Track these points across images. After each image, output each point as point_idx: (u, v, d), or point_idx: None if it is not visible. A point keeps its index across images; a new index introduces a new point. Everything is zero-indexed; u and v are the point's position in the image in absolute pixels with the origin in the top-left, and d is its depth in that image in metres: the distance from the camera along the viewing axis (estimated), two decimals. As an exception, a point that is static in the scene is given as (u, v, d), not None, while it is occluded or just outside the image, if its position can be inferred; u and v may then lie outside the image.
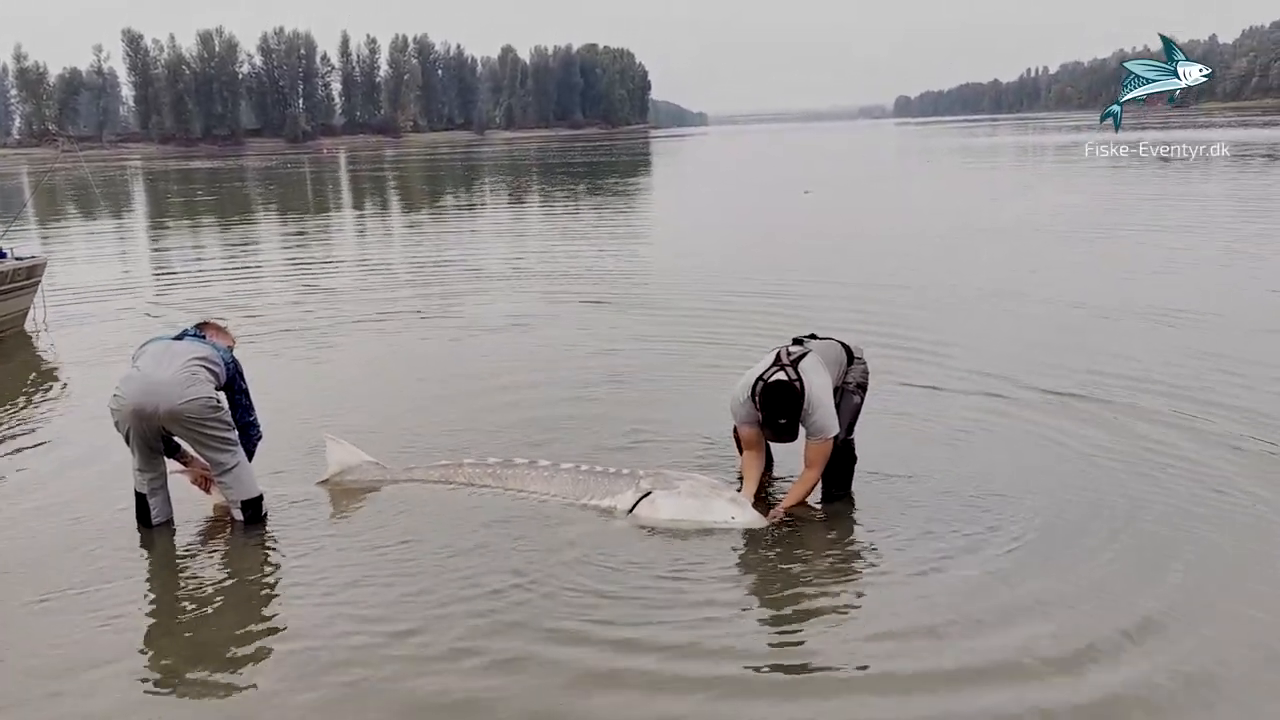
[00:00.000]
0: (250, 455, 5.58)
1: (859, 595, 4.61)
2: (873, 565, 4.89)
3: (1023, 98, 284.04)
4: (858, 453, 5.61)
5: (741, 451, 5.66)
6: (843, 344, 5.66)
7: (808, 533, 5.25)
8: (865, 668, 3.98)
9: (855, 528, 5.33)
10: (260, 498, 5.53)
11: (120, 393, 5.17)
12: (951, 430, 6.82)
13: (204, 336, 5.58)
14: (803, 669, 4.03)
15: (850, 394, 5.52)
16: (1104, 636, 4.12)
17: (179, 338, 5.50)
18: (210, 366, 5.32)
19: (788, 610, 4.50)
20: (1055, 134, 74.16)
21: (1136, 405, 7.14)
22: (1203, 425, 6.69)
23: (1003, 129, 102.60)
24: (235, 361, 5.56)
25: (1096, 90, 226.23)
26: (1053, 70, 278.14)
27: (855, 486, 5.64)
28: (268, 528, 5.48)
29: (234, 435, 5.41)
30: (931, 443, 6.58)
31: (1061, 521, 5.25)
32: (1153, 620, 4.26)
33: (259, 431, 5.71)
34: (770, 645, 4.23)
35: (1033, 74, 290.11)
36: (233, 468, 5.40)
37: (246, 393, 5.61)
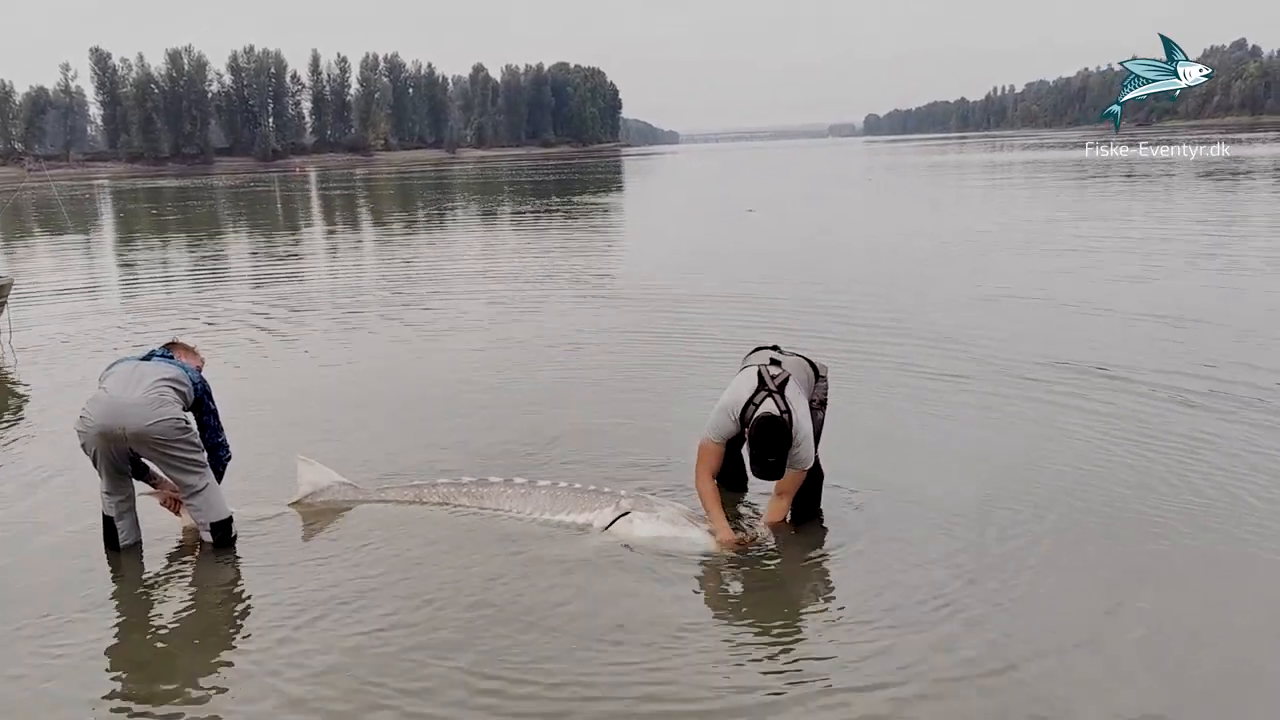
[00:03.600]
0: (220, 476, 5.50)
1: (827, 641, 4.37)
2: (841, 602, 4.75)
3: (989, 116, 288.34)
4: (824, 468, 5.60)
5: (699, 467, 5.43)
6: (809, 361, 5.67)
7: (783, 565, 5.19)
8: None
9: (828, 556, 5.22)
10: (230, 519, 5.44)
11: (87, 414, 5.09)
12: (922, 433, 6.86)
13: (172, 357, 5.51)
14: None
15: (814, 411, 5.50)
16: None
17: (146, 358, 5.42)
18: (178, 387, 5.25)
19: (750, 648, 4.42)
20: (1022, 151, 75.07)
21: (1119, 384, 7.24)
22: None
23: (970, 146, 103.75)
24: (204, 381, 5.49)
25: (1062, 108, 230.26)
26: (1019, 89, 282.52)
27: (826, 498, 5.64)
28: (237, 550, 5.39)
29: (203, 457, 5.33)
30: (902, 448, 6.61)
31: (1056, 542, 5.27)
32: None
33: (228, 452, 5.63)
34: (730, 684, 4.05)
35: (999, 92, 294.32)
36: (202, 489, 5.31)
37: (215, 413, 5.53)
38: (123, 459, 5.23)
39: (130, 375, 5.21)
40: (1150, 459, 6.34)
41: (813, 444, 5.27)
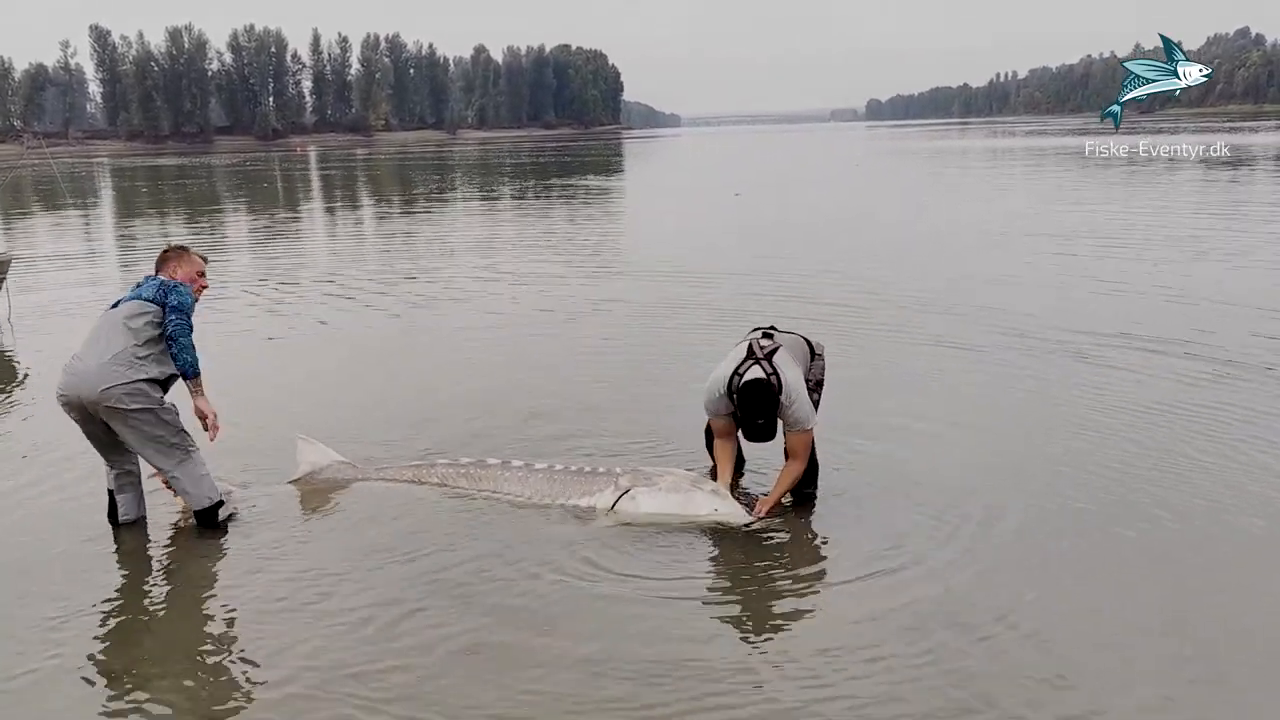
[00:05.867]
0: (184, 371, 4.95)
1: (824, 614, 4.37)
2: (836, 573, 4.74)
3: (992, 102, 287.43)
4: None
5: (712, 441, 5.62)
6: (805, 339, 5.66)
7: (790, 542, 5.15)
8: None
9: (822, 533, 5.20)
10: (214, 508, 5.16)
11: (59, 383, 4.94)
12: (938, 408, 6.79)
13: (159, 279, 5.12)
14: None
15: (810, 392, 5.50)
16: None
17: (135, 294, 5.07)
18: (135, 325, 4.87)
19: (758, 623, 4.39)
20: (1024, 138, 74.70)
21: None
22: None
23: (972, 132, 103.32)
24: (177, 287, 5.02)
25: (1064, 95, 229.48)
26: (1021, 75, 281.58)
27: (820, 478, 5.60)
28: (235, 529, 5.29)
29: (171, 435, 4.99)
30: (919, 426, 6.57)
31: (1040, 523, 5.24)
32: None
33: (190, 355, 4.94)
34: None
35: (1002, 79, 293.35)
36: (173, 472, 5.02)
37: (178, 310, 4.93)
38: (103, 429, 4.99)
39: (100, 331, 4.94)
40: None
41: (809, 404, 5.26)
